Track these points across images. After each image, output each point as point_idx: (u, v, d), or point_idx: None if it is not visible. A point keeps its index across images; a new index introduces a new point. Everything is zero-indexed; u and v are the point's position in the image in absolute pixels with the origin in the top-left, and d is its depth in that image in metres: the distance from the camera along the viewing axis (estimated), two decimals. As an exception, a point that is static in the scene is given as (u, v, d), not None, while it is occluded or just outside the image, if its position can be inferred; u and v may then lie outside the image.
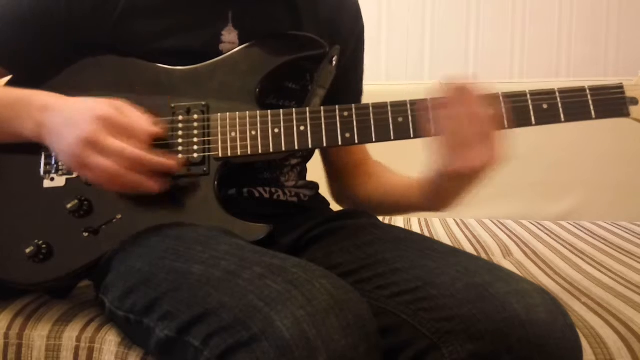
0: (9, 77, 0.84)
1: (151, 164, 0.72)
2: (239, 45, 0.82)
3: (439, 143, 0.72)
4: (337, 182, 1.01)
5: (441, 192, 0.80)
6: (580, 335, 0.62)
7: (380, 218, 0.91)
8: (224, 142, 0.77)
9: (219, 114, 0.78)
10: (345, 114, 0.76)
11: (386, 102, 0.76)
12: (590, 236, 1.42)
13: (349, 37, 0.93)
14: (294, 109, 0.77)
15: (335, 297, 0.55)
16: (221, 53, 0.81)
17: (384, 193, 0.93)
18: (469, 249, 1.29)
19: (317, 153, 0.98)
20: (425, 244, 0.74)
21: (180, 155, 0.76)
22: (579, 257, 1.18)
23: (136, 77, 0.80)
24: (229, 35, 0.82)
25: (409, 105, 0.76)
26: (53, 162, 0.78)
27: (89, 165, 0.70)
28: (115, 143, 0.69)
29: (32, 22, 0.79)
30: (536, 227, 1.55)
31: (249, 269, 0.59)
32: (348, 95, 0.96)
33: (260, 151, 0.77)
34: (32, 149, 0.78)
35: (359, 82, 0.99)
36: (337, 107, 0.77)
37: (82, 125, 0.70)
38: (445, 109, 0.71)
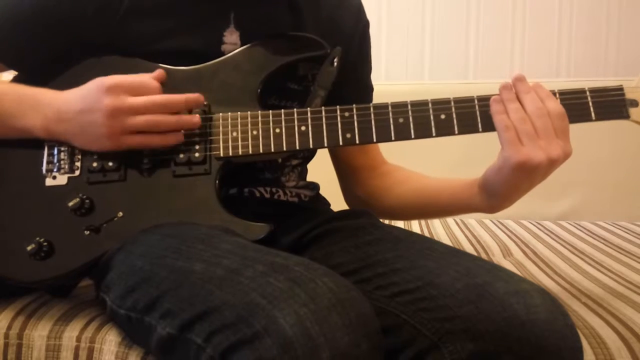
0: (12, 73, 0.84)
1: (179, 101, 0.76)
2: (241, 46, 0.82)
3: (510, 133, 0.71)
4: (349, 183, 1.01)
5: (502, 189, 0.75)
6: (580, 335, 0.62)
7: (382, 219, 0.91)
8: (225, 141, 0.77)
9: (221, 114, 0.78)
10: (347, 114, 0.77)
11: (387, 103, 0.77)
12: (590, 236, 1.42)
13: (353, 33, 0.94)
14: (295, 109, 0.77)
15: (338, 295, 0.55)
16: (223, 54, 0.82)
17: (425, 196, 0.90)
18: (469, 249, 1.29)
19: (318, 155, 0.97)
20: (426, 244, 0.74)
21: (181, 155, 0.77)
22: (579, 257, 1.18)
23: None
24: (231, 36, 0.82)
25: (409, 106, 0.76)
26: (55, 160, 0.78)
27: (126, 131, 0.73)
28: (139, 99, 0.73)
29: (32, 20, 0.79)
30: (536, 227, 1.55)
31: (251, 267, 0.59)
32: (359, 90, 0.97)
33: (261, 151, 0.77)
34: (34, 148, 0.79)
35: (368, 77, 0.99)
36: (338, 107, 0.77)
37: (98, 104, 0.72)
38: (514, 102, 0.74)
